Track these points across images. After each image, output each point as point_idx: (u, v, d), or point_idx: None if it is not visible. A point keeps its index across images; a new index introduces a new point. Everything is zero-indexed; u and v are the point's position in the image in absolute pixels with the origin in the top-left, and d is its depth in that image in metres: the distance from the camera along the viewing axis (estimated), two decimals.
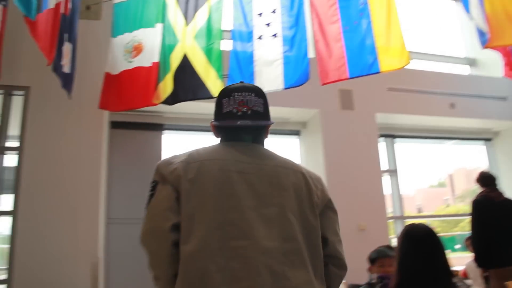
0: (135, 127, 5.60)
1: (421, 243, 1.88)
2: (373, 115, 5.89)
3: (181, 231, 1.34)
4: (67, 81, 4.34)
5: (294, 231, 1.35)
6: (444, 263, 1.85)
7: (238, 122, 1.50)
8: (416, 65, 6.28)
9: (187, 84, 4.31)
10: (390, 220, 6.11)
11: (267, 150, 1.59)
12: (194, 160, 1.45)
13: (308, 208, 1.41)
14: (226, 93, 1.58)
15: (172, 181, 1.43)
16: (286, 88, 4.34)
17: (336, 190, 5.42)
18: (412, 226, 2.00)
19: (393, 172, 6.35)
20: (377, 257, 3.31)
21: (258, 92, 1.58)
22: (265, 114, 1.58)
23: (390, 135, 6.47)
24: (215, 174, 1.39)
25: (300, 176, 1.49)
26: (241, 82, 1.67)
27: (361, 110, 5.82)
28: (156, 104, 4.46)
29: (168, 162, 1.52)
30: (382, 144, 6.27)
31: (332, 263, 1.48)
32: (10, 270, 4.49)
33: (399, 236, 1.98)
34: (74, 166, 4.80)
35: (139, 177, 5.42)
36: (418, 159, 7.42)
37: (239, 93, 1.53)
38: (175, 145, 5.91)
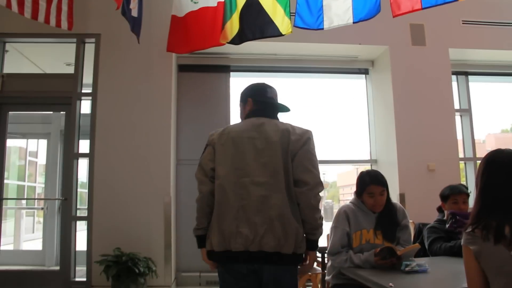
0: (202, 70, 5.67)
1: (508, 167, 1.78)
2: (446, 50, 5.57)
3: (215, 171, 2.23)
4: (135, 25, 4.43)
5: (277, 171, 2.16)
6: None
7: (269, 100, 2.39)
8: None
9: (254, 22, 4.24)
10: (461, 162, 5.88)
11: (270, 120, 2.31)
12: (224, 133, 2.29)
13: (286, 154, 2.19)
14: (258, 87, 2.44)
15: (212, 145, 2.29)
16: (355, 22, 4.17)
17: (404, 130, 5.31)
18: (497, 151, 1.87)
19: (465, 111, 6.05)
20: (450, 194, 3.20)
21: (270, 86, 2.45)
22: (277, 99, 2.44)
23: (464, 72, 6.11)
24: (234, 139, 2.24)
25: (286, 133, 2.23)
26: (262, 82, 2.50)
27: (433, 45, 5.51)
28: (223, 44, 4.46)
29: (212, 134, 2.35)
30: (454, 82, 5.94)
31: (295, 185, 2.17)
32: (89, 207, 4.86)
33: (481, 162, 1.86)
34: (145, 110, 4.98)
35: (205, 119, 5.56)
36: (491, 99, 6.99)
37: (265, 87, 2.42)
38: (242, 86, 5.91)
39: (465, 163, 6.06)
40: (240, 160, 2.19)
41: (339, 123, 6.16)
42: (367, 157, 5.96)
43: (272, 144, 2.19)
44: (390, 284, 2.00)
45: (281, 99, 2.49)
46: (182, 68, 5.60)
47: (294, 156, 2.19)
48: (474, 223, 1.73)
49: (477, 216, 1.75)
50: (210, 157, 2.25)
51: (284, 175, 2.16)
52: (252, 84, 2.48)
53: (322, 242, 3.57)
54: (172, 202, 5.02)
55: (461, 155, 5.89)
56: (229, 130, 2.29)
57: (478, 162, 5.93)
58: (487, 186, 1.79)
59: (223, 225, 2.14)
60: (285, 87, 6.07)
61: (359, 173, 2.88)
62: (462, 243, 1.74)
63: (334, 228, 2.74)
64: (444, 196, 3.26)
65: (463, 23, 5.61)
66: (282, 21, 4.20)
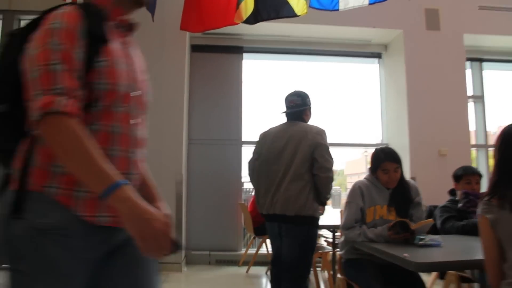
0: (215, 50, 5.68)
1: None
2: (461, 36, 5.52)
3: (258, 158, 3.15)
4: (150, 3, 4.42)
5: (296, 160, 2.90)
6: None
7: (289, 110, 3.14)
8: None
9: (269, 2, 4.23)
10: (473, 149, 5.86)
11: (298, 123, 3.07)
12: (266, 134, 3.15)
13: (304, 148, 2.89)
14: (286, 98, 3.18)
15: (260, 139, 3.19)
16: (371, 4, 4.16)
17: (417, 114, 5.30)
18: None
19: (478, 98, 6.02)
20: (464, 174, 3.21)
21: (298, 94, 3.15)
22: (303, 104, 3.13)
23: (478, 59, 6.07)
24: (271, 137, 3.08)
25: (305, 133, 2.94)
26: (294, 91, 3.20)
27: (447, 30, 5.47)
28: (237, 24, 4.46)
29: (262, 132, 3.20)
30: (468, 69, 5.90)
31: (319, 172, 2.86)
32: None
33: (499, 134, 1.87)
34: (158, 89, 4.93)
35: (217, 100, 5.59)
36: (504, 90, 6.91)
37: (290, 97, 3.15)
38: (255, 68, 5.94)
39: (476, 150, 6.03)
40: (270, 152, 3.05)
41: (351, 107, 6.16)
42: (378, 141, 5.96)
43: (295, 141, 2.94)
44: (405, 254, 2.02)
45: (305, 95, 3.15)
46: (195, 48, 5.61)
47: (315, 148, 2.88)
48: (491, 193, 1.75)
49: (494, 186, 1.77)
50: (257, 148, 3.19)
51: (301, 162, 2.89)
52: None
53: (333, 220, 3.64)
54: (183, 181, 5.06)
55: (473, 142, 5.87)
56: (270, 131, 3.16)
57: (490, 149, 5.92)
58: (504, 157, 1.80)
59: (258, 197, 3.17)
60: (298, 69, 6.07)
61: (374, 150, 2.89)
62: (478, 213, 1.77)
63: (348, 203, 2.75)
64: (458, 176, 3.26)
65: (479, 8, 5.54)
66: (297, 2, 4.19)
